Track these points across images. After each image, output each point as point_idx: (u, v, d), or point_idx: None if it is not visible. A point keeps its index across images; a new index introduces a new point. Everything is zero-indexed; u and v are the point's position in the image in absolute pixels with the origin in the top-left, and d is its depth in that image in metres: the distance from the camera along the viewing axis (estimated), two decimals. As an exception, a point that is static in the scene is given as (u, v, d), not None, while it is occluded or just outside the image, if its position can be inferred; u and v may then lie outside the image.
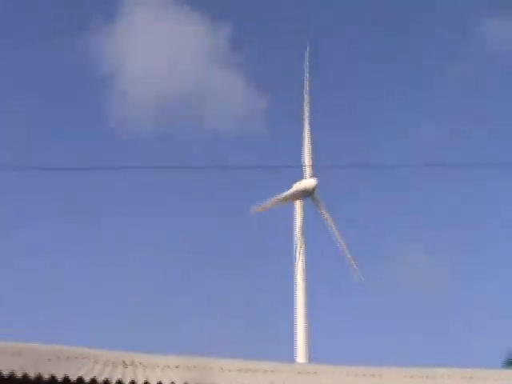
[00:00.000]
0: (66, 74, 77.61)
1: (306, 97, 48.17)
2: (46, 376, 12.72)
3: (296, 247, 45.91)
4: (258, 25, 78.68)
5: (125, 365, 14.52)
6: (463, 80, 77.75)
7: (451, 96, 78.25)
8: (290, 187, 47.13)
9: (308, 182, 46.74)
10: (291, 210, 47.33)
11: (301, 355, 43.45)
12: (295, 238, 45.91)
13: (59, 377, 12.83)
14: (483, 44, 77.05)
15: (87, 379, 12.93)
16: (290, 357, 42.23)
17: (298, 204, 47.17)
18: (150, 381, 13.24)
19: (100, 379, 13.03)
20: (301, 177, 47.17)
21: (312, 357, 43.32)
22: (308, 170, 47.04)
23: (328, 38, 78.79)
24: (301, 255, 45.75)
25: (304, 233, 46.25)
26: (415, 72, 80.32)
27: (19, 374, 12.59)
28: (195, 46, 69.50)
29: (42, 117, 76.62)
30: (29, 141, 74.57)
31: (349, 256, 46.21)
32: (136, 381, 13.25)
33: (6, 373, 12.42)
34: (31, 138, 76.15)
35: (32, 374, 12.61)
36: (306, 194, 46.92)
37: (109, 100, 77.51)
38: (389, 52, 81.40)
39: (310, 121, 47.85)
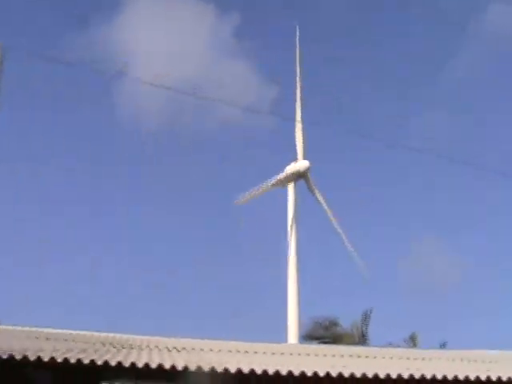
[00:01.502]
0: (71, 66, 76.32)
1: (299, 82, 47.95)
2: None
3: (289, 232, 45.51)
4: (264, 13, 78.45)
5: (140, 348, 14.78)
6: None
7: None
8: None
9: (301, 164, 46.41)
10: (283, 195, 46.92)
11: (292, 337, 43.65)
12: (289, 223, 45.70)
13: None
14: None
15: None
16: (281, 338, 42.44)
17: (290, 187, 46.73)
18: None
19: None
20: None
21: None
22: (300, 153, 46.69)
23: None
24: (293, 239, 45.29)
25: (297, 217, 45.91)
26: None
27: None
28: (202, 35, 69.19)
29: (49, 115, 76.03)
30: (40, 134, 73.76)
31: (351, 250, 44.62)
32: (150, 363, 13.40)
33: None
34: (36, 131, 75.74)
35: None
36: (299, 176, 46.51)
37: (116, 91, 77.61)
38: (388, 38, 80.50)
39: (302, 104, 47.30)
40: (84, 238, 70.03)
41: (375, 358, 16.98)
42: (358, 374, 13.36)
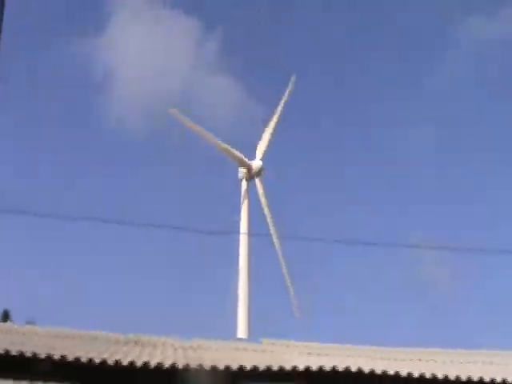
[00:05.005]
0: (56, 76, 77.82)
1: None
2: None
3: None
4: (248, 31, 79.95)
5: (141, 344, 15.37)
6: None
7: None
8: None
9: (255, 163, 47.82)
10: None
11: (242, 331, 44.13)
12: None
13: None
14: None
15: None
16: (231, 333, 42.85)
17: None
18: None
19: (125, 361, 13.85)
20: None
21: (253, 333, 44.00)
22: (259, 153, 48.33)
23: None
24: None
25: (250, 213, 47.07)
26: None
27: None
28: (185, 51, 70.29)
29: (35, 121, 76.53)
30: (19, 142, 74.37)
31: (289, 284, 45.17)
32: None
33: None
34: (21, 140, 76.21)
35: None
36: (250, 175, 47.78)
37: (99, 104, 78.95)
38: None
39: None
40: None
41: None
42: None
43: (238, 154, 47.58)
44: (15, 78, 70.63)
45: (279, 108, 48.40)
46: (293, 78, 48.98)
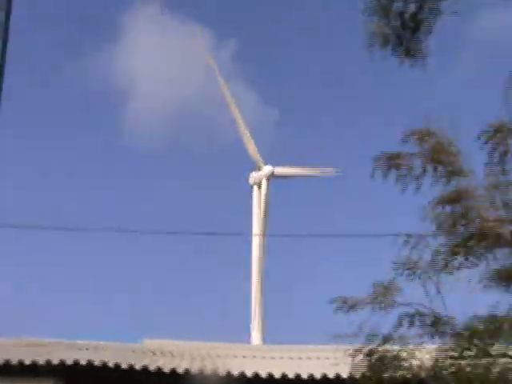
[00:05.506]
0: (72, 92, 77.66)
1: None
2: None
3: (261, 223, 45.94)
4: (263, 39, 79.68)
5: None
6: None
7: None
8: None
9: (266, 168, 46.98)
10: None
11: (255, 336, 43.79)
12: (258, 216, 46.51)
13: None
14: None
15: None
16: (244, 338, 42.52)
17: (263, 183, 47.24)
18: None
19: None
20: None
21: (267, 338, 43.66)
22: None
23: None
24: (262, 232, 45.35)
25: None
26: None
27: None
28: (201, 60, 70.67)
29: (53, 137, 76.28)
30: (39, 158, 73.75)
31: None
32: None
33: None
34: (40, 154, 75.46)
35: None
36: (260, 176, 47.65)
37: (118, 118, 78.61)
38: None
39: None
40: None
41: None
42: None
43: (254, 149, 46.94)
44: (29, 95, 71.30)
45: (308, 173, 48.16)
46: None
